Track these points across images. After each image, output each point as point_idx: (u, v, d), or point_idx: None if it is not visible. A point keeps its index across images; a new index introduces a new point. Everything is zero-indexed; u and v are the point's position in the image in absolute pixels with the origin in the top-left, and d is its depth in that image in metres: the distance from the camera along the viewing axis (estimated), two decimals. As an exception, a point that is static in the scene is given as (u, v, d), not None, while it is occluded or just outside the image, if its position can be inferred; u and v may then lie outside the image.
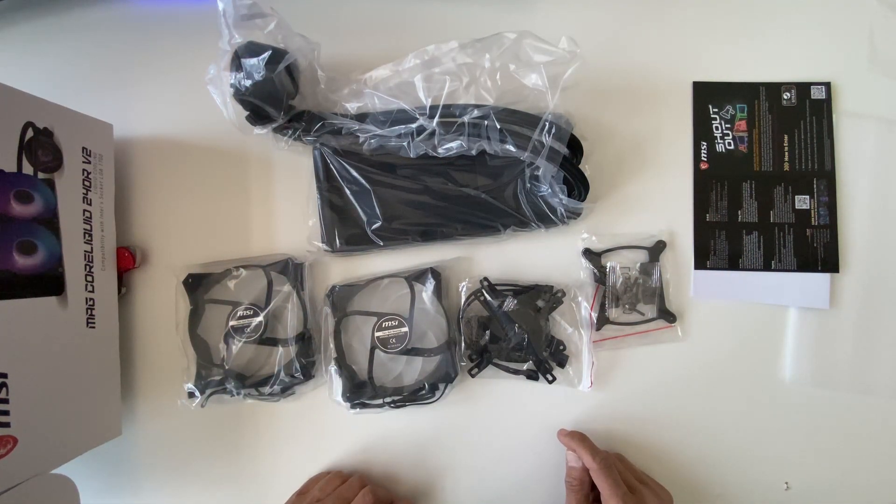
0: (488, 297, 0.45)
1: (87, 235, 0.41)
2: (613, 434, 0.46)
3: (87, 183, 0.41)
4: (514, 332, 0.45)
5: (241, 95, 0.40)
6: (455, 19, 0.48)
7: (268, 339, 0.45)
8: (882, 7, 0.48)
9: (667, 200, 0.47)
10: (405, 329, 0.44)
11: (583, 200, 0.43)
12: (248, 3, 0.37)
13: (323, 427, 0.47)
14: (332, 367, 0.45)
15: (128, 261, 0.45)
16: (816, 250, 0.46)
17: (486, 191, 0.45)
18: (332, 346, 0.45)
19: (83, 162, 0.41)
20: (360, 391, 0.44)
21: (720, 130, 0.47)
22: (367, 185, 0.45)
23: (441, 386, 0.45)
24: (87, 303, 0.41)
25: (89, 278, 0.41)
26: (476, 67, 0.40)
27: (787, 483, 0.46)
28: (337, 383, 0.45)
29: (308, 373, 0.45)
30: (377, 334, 0.44)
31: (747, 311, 0.46)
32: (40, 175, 0.37)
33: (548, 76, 0.38)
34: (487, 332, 0.45)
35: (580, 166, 0.43)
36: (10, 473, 0.34)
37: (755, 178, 0.47)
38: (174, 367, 0.45)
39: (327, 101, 0.43)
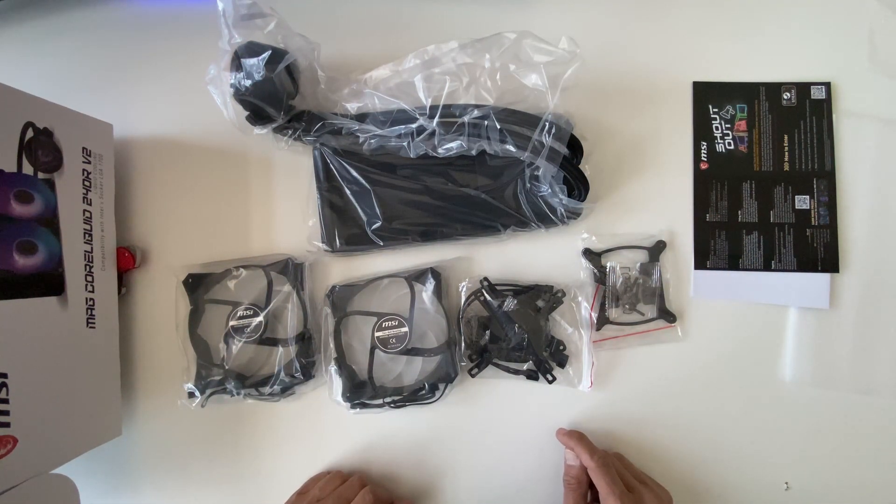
0: (488, 297, 0.45)
1: (87, 235, 0.41)
2: (613, 434, 0.46)
3: (87, 183, 0.41)
4: (514, 332, 0.45)
5: (241, 95, 0.40)
6: (455, 19, 0.48)
7: (268, 339, 0.45)
8: (882, 7, 0.48)
9: (667, 200, 0.47)
10: (405, 329, 0.44)
11: (583, 200, 0.43)
12: (248, 3, 0.37)
13: (323, 427, 0.47)
14: (332, 367, 0.45)
15: (128, 261, 0.45)
16: (816, 250, 0.46)
17: (486, 191, 0.45)
18: (332, 346, 0.45)
19: (83, 162, 0.41)
20: (360, 391, 0.44)
21: (720, 130, 0.47)
22: (367, 185, 0.45)
23: (441, 386, 0.45)
24: (87, 303, 0.41)
25: (89, 278, 0.41)
26: (476, 67, 0.40)
27: (787, 483, 0.46)
28: (337, 383, 0.45)
29: (308, 373, 0.45)
30: (377, 334, 0.44)
31: (747, 311, 0.46)
32: (40, 175, 0.37)
33: (548, 76, 0.38)
34: (487, 332, 0.45)
35: (580, 166, 0.43)
36: (10, 473, 0.34)
37: (755, 178, 0.47)
38: (174, 367, 0.45)
39: (327, 101, 0.43)
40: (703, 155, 0.47)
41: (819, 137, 0.47)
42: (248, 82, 0.39)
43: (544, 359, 0.45)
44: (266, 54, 0.38)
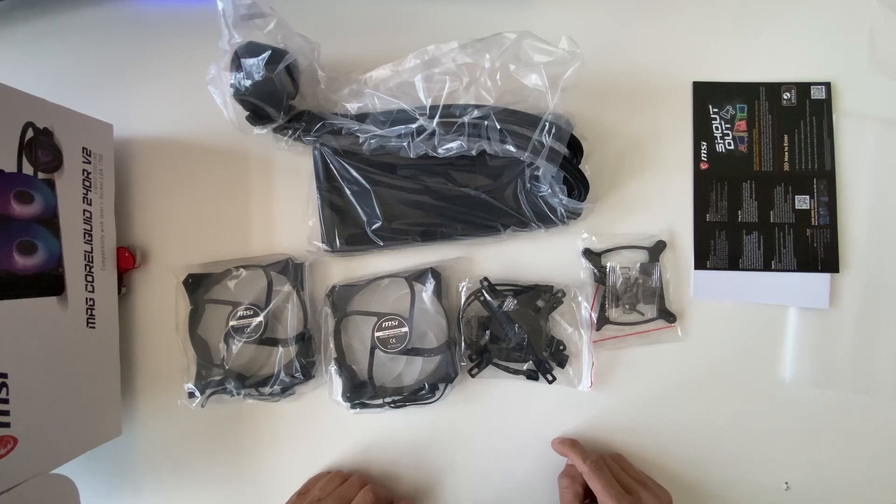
0: (488, 297, 0.45)
1: (87, 235, 0.41)
2: (613, 434, 0.46)
3: (87, 183, 0.41)
4: (514, 332, 0.45)
5: (241, 95, 0.40)
6: (455, 19, 0.48)
7: (268, 339, 0.45)
8: (882, 7, 0.48)
9: (667, 200, 0.47)
10: (405, 329, 0.44)
11: (583, 200, 0.43)
12: (248, 3, 0.37)
13: (323, 427, 0.47)
14: (332, 367, 0.45)
15: (128, 261, 0.45)
16: (816, 250, 0.46)
17: (486, 191, 0.45)
18: (332, 346, 0.45)
19: (83, 162, 0.41)
20: (360, 391, 0.44)
21: (720, 130, 0.47)
22: (367, 185, 0.45)
23: (441, 386, 0.45)
24: (87, 303, 0.41)
25: (89, 278, 0.41)
26: (476, 67, 0.40)
27: (787, 483, 0.46)
28: (337, 383, 0.45)
29: (308, 373, 0.45)
30: (377, 334, 0.44)
31: (747, 311, 0.46)
32: (40, 175, 0.37)
33: (548, 76, 0.38)
34: (487, 332, 0.45)
35: (580, 166, 0.43)
36: (10, 473, 0.34)
37: (755, 178, 0.47)
38: (174, 367, 0.45)
39: (327, 101, 0.43)
40: (703, 155, 0.47)
41: (819, 137, 0.47)
42: (248, 82, 0.39)
43: (544, 359, 0.45)
44: (266, 54, 0.38)
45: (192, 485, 0.47)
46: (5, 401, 0.34)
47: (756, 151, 0.47)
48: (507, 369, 0.45)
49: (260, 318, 0.44)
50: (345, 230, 0.45)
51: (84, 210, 0.41)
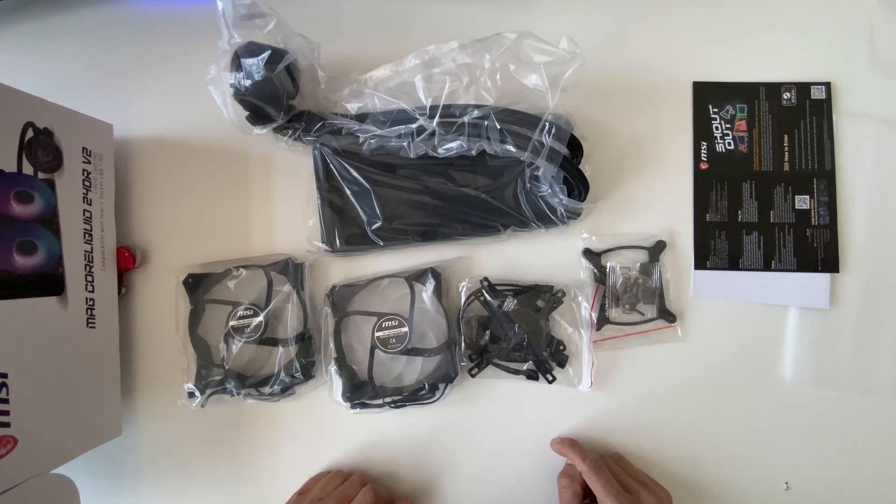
0: (488, 297, 0.45)
1: (87, 235, 0.41)
2: (613, 434, 0.46)
3: (87, 183, 0.41)
4: (514, 332, 0.45)
5: (241, 95, 0.40)
6: (455, 19, 0.48)
7: (268, 339, 0.45)
8: (882, 7, 0.48)
9: (667, 200, 0.47)
10: (405, 329, 0.44)
11: (583, 200, 0.43)
12: (248, 3, 0.37)
13: (323, 427, 0.47)
14: (332, 367, 0.45)
15: (128, 261, 0.45)
16: (816, 250, 0.46)
17: (486, 191, 0.45)
18: (332, 346, 0.45)
19: (83, 162, 0.41)
20: (360, 391, 0.44)
21: (720, 130, 0.47)
22: (367, 185, 0.45)
23: (441, 386, 0.45)
24: (87, 303, 0.41)
25: (89, 278, 0.41)
26: (476, 68, 0.40)
27: (787, 483, 0.46)
28: (337, 383, 0.45)
29: (308, 373, 0.45)
30: (377, 334, 0.44)
31: (747, 311, 0.46)
32: (40, 175, 0.37)
33: (548, 76, 0.38)
34: (487, 332, 0.45)
35: (580, 166, 0.43)
36: (10, 473, 0.34)
37: (755, 178, 0.47)
38: (174, 367, 0.45)
39: (327, 101, 0.43)
40: (703, 155, 0.47)
41: (819, 137, 0.47)
42: (248, 82, 0.39)
43: (544, 359, 0.45)
44: (266, 54, 0.38)
45: (192, 485, 0.47)
46: (5, 401, 0.34)
47: (756, 151, 0.47)
48: (507, 369, 0.45)
49: (260, 318, 0.44)
50: (345, 230, 0.45)
51: (84, 210, 0.41)
